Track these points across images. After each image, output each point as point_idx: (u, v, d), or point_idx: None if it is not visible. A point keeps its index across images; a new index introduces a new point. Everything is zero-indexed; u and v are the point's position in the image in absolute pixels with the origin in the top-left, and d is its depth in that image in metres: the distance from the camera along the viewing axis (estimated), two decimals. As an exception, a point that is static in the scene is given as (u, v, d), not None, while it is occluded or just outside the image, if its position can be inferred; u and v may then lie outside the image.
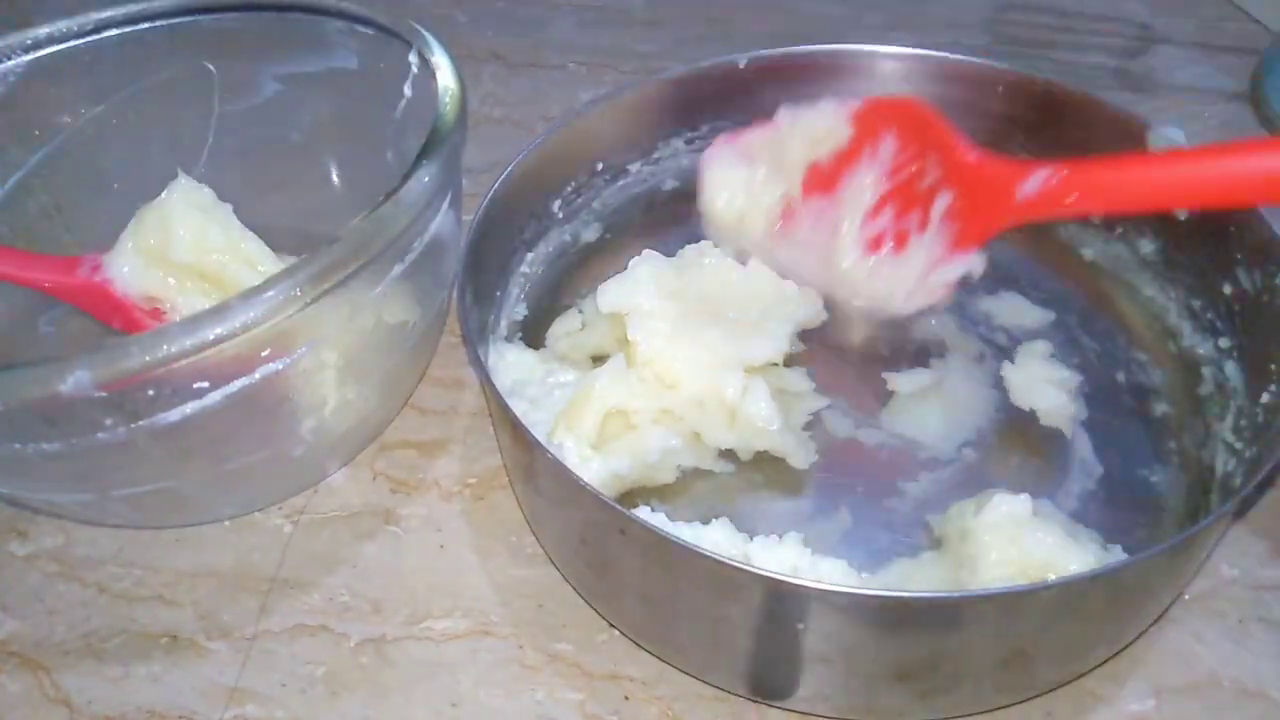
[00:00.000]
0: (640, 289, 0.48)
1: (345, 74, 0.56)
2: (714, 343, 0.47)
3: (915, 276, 0.49)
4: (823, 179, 0.51)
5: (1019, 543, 0.41)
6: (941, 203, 0.48)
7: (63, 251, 0.55)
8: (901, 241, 0.49)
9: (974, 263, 0.48)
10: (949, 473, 0.49)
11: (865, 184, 0.50)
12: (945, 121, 0.48)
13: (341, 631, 0.46)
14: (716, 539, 0.43)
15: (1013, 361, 0.52)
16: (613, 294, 0.48)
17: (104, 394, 0.38)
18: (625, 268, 0.57)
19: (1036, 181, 0.45)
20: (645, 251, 0.50)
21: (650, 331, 0.47)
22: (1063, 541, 0.41)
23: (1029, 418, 0.51)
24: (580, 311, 0.54)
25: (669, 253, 0.59)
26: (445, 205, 0.48)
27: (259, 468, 0.47)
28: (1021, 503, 0.42)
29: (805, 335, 0.55)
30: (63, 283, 0.50)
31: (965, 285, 0.56)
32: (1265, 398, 0.47)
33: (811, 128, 0.51)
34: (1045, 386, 0.51)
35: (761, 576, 0.37)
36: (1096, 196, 0.45)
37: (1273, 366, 0.47)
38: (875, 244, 0.50)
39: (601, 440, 0.46)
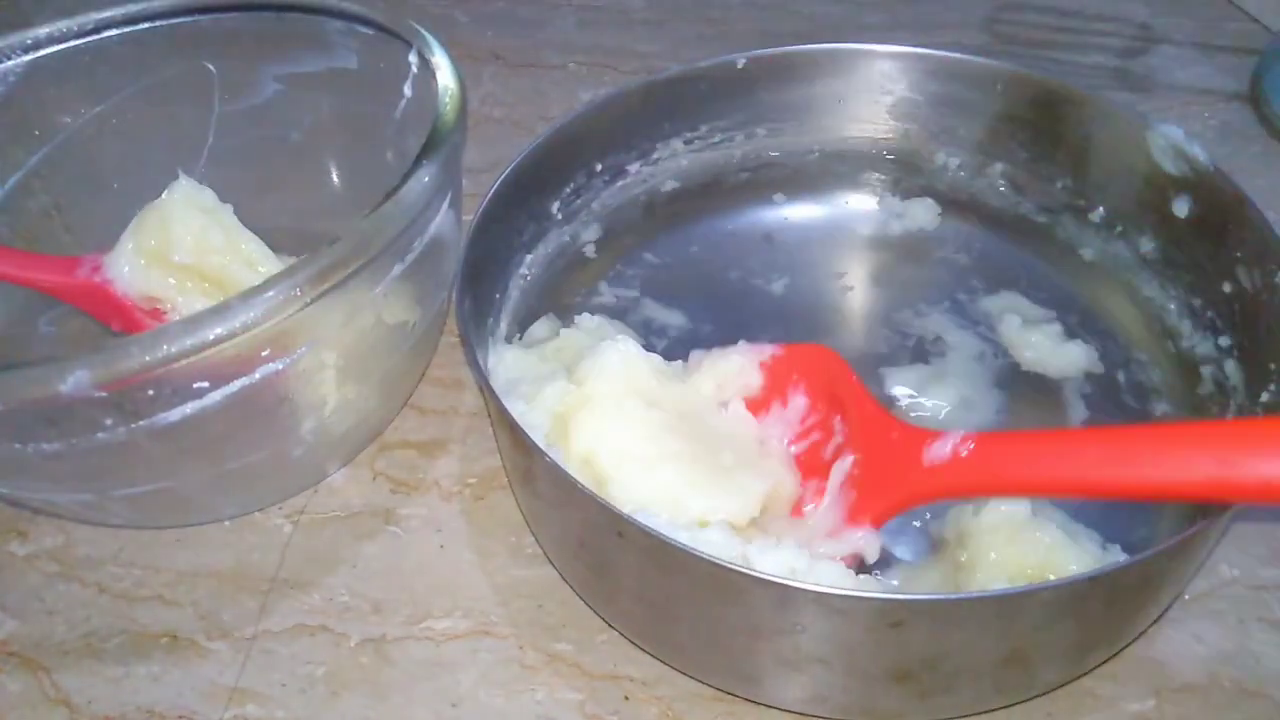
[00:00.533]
0: (617, 388, 0.45)
1: (345, 74, 0.56)
2: (686, 483, 0.44)
3: (805, 543, 0.44)
4: None
5: (1017, 543, 0.41)
6: (842, 467, 0.44)
7: (62, 251, 0.55)
8: (796, 509, 0.45)
9: (867, 543, 0.43)
10: (949, 473, 0.49)
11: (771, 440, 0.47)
12: (854, 377, 0.46)
13: (341, 631, 0.46)
14: (714, 541, 0.43)
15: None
16: (589, 430, 0.44)
17: (104, 394, 0.38)
18: (620, 271, 0.57)
19: (945, 447, 0.42)
20: (620, 338, 0.47)
21: (625, 459, 0.44)
22: (1061, 542, 0.41)
23: (1029, 417, 0.51)
24: (560, 322, 0.53)
25: (670, 253, 0.60)
26: (445, 205, 0.48)
27: (259, 468, 0.47)
28: (1019, 504, 0.42)
29: (804, 333, 0.56)
30: (62, 283, 0.50)
31: (966, 286, 0.56)
32: (1265, 397, 0.47)
33: (718, 372, 0.48)
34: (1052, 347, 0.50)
35: (760, 579, 0.37)
36: (1008, 474, 0.41)
37: (1273, 366, 0.47)
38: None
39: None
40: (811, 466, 0.46)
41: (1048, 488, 0.41)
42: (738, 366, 0.48)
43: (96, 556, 0.49)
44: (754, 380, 0.48)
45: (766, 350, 0.48)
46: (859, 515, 0.43)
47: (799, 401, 0.47)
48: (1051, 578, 0.40)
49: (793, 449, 0.47)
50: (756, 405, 0.48)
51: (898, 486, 0.43)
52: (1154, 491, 0.40)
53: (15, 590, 0.48)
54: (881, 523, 0.43)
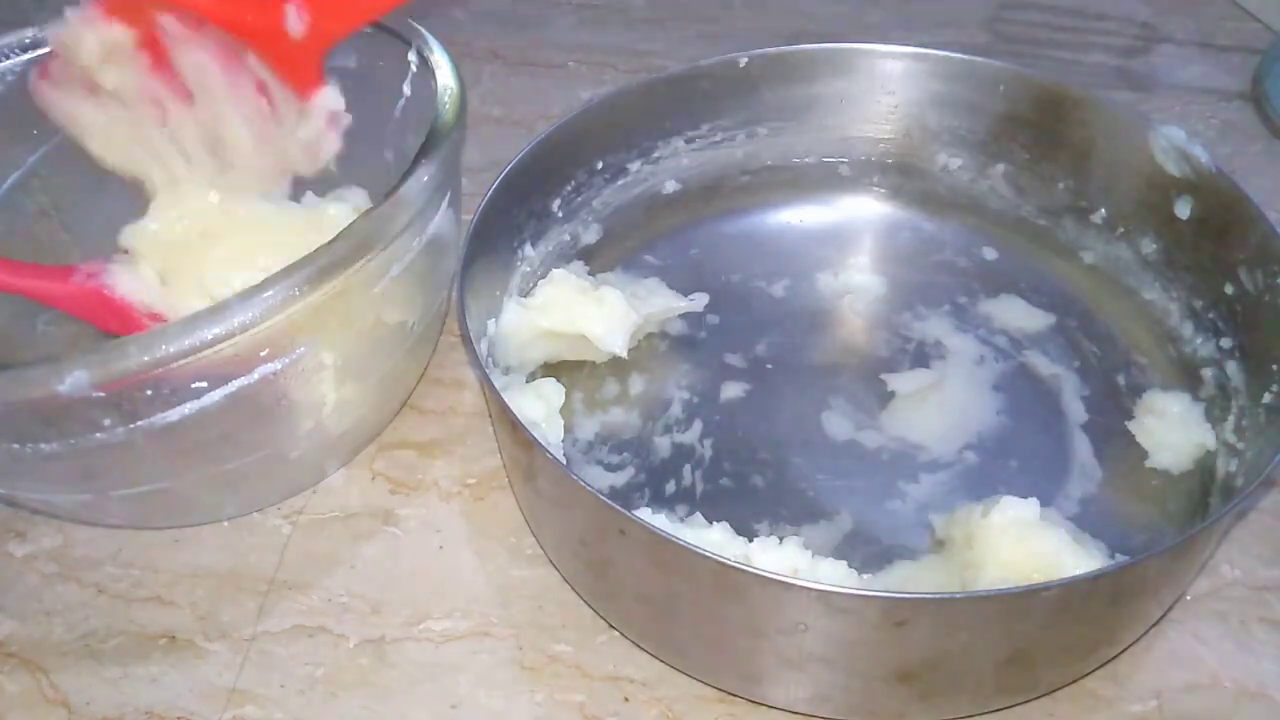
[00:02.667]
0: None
1: (344, 73, 0.55)
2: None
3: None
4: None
5: (1026, 545, 0.41)
6: (253, 60, 0.46)
7: (60, 251, 0.55)
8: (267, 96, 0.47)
9: (326, 97, 0.47)
10: (949, 475, 0.49)
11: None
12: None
13: (340, 632, 0.46)
14: (717, 540, 0.43)
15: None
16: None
17: (102, 394, 0.38)
18: (621, 273, 0.58)
19: (296, 20, 0.45)
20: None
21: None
22: (1069, 545, 0.41)
23: (1029, 420, 0.51)
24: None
25: (670, 255, 0.60)
26: (444, 204, 0.48)
27: (257, 468, 0.47)
28: (1029, 506, 0.42)
29: (805, 337, 0.56)
30: (56, 290, 0.50)
31: (969, 290, 0.56)
32: (1267, 398, 0.47)
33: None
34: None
35: (762, 578, 0.37)
36: None
37: (1274, 367, 0.47)
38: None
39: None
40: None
41: None
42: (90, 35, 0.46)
43: (95, 557, 0.49)
44: (119, 33, 0.46)
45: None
46: (306, 93, 0.47)
47: (170, 21, 0.46)
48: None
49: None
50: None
51: (302, 61, 0.46)
52: None
53: (13, 591, 0.48)
54: (319, 82, 0.47)
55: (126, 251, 0.51)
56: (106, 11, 0.46)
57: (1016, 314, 0.56)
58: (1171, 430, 0.49)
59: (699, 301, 0.56)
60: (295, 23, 0.45)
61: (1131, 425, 0.50)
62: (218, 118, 0.48)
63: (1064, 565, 0.41)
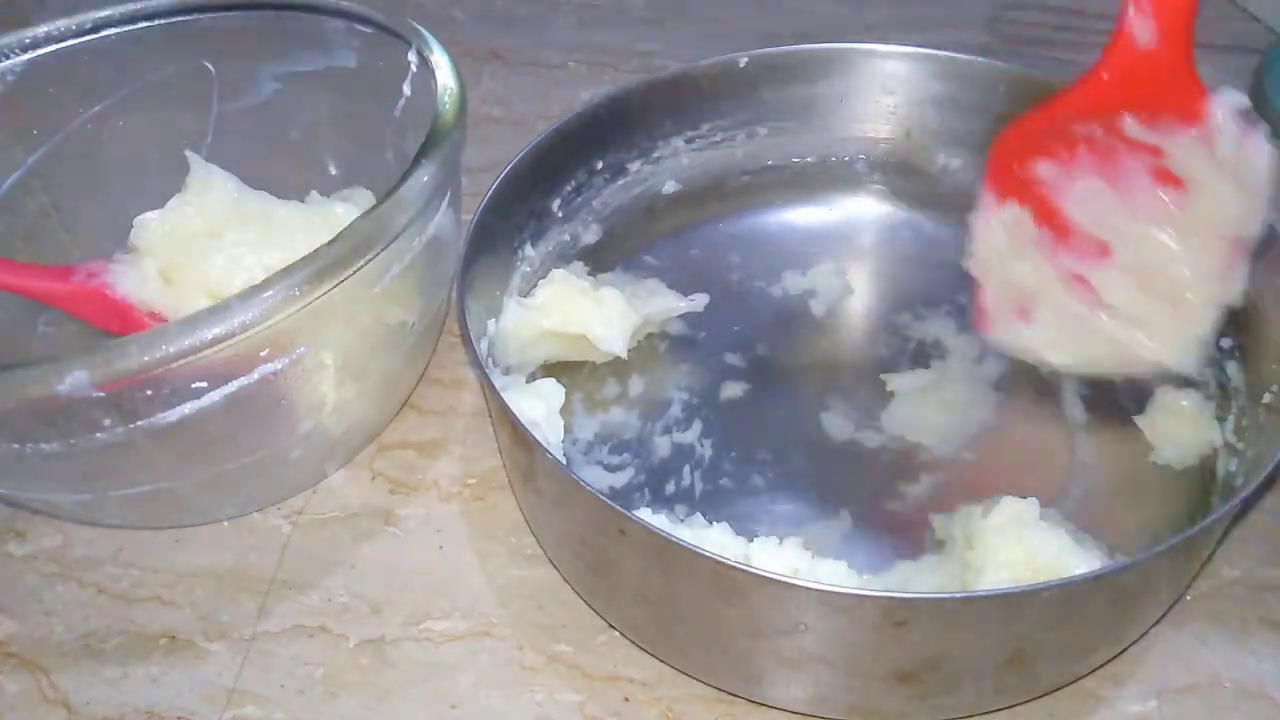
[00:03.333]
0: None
1: (344, 73, 0.56)
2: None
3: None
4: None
5: (1025, 545, 0.41)
6: (1130, 124, 0.40)
7: (61, 250, 0.55)
8: (1171, 180, 0.41)
9: (1220, 99, 0.39)
10: (950, 475, 0.49)
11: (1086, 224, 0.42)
12: (1043, 106, 0.42)
13: (340, 632, 0.46)
14: (717, 540, 0.43)
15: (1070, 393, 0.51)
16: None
17: (102, 394, 0.38)
18: (621, 273, 0.58)
19: (1140, 21, 0.38)
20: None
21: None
22: (1069, 545, 0.41)
23: (1029, 420, 0.51)
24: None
25: (670, 256, 0.60)
26: (444, 204, 0.48)
27: (257, 468, 0.47)
28: (1029, 506, 0.42)
29: (805, 337, 0.56)
30: (58, 289, 0.50)
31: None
32: (1267, 398, 0.47)
33: (998, 249, 0.44)
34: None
35: (762, 578, 0.37)
36: None
37: (1274, 367, 0.47)
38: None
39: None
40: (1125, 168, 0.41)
41: None
42: (994, 230, 0.44)
43: (95, 557, 0.49)
44: (1012, 214, 0.44)
45: (985, 199, 0.44)
46: (1193, 109, 0.39)
47: (1048, 168, 0.42)
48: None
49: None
50: (1047, 212, 0.43)
51: (1166, 73, 0.39)
52: None
53: (13, 591, 0.48)
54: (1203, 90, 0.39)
55: (129, 250, 0.51)
56: (999, 194, 0.43)
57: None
58: (1181, 427, 0.49)
59: (699, 302, 0.56)
60: (1141, 29, 0.38)
61: (1140, 420, 0.50)
62: (1140, 249, 0.41)
63: (1064, 565, 0.41)
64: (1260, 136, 0.39)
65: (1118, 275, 0.42)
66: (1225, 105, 0.40)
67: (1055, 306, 0.43)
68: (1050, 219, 0.43)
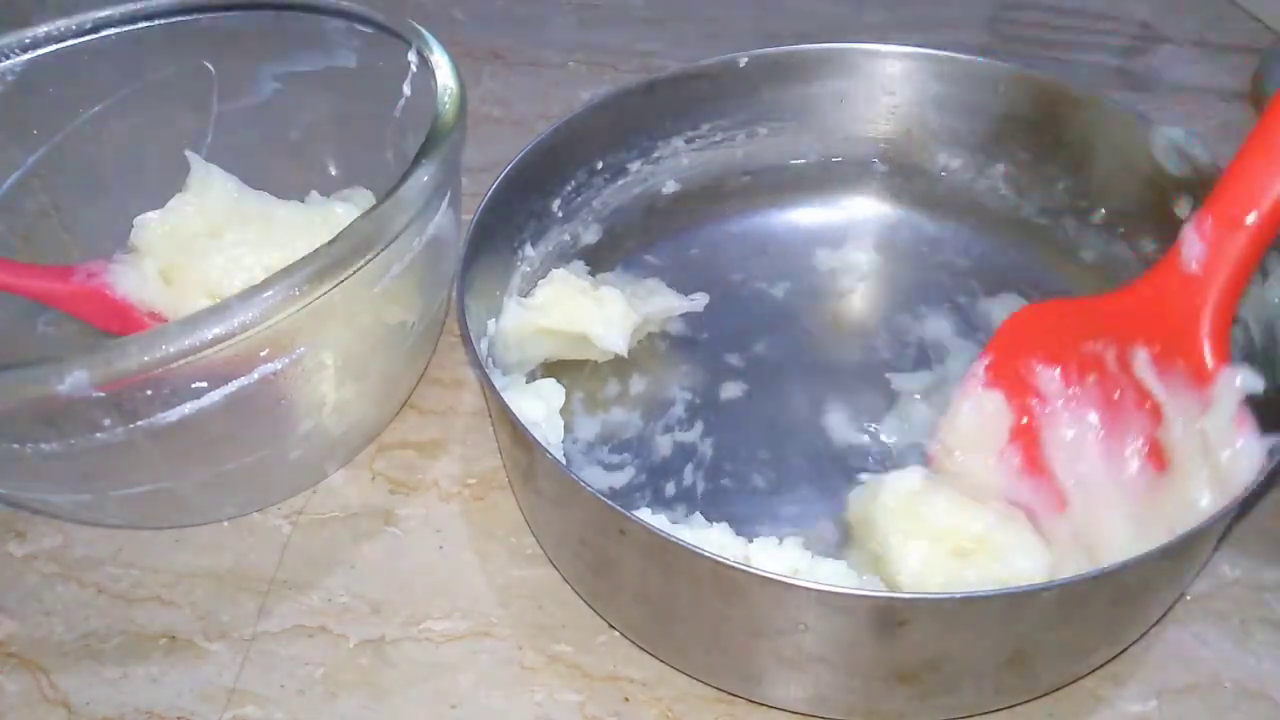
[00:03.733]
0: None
1: (344, 73, 0.56)
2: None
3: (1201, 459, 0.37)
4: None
5: (917, 513, 0.41)
6: (1143, 362, 0.38)
7: (61, 251, 0.55)
8: (1156, 456, 0.39)
9: (1232, 380, 0.37)
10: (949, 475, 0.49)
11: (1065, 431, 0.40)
12: (1061, 304, 0.42)
13: (340, 632, 0.46)
14: (717, 540, 0.43)
15: None
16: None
17: (102, 394, 0.38)
18: (621, 274, 0.58)
19: (1193, 243, 0.37)
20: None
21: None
22: (959, 504, 0.41)
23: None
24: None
25: (670, 256, 0.60)
26: (444, 204, 0.48)
27: (257, 468, 0.47)
28: (911, 474, 0.42)
29: (805, 337, 0.56)
30: (58, 289, 0.50)
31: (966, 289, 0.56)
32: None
33: (965, 429, 0.43)
34: None
35: (762, 578, 0.37)
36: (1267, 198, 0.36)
37: (1274, 366, 0.47)
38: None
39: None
40: (1108, 404, 0.40)
41: None
42: (973, 414, 0.43)
43: (95, 557, 0.49)
44: (994, 407, 0.43)
45: (976, 370, 0.43)
46: (1200, 377, 0.37)
47: (1049, 377, 0.41)
48: (965, 541, 0.40)
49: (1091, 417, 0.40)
50: (1025, 429, 0.42)
51: (1196, 315, 0.37)
52: None
53: (13, 591, 0.48)
54: (1224, 356, 0.37)
55: (129, 250, 0.51)
56: (991, 375, 0.42)
57: None
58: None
59: (699, 301, 0.56)
60: (1193, 246, 0.37)
61: None
62: (1091, 516, 0.39)
63: (961, 525, 0.41)
64: (1254, 439, 0.37)
65: (1057, 526, 0.41)
66: (1234, 386, 0.38)
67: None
68: (1026, 439, 0.42)
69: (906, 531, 0.42)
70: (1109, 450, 0.40)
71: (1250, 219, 0.38)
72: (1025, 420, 0.41)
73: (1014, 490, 0.42)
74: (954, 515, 0.41)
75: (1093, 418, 0.40)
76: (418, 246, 0.46)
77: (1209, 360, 0.37)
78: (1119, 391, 0.39)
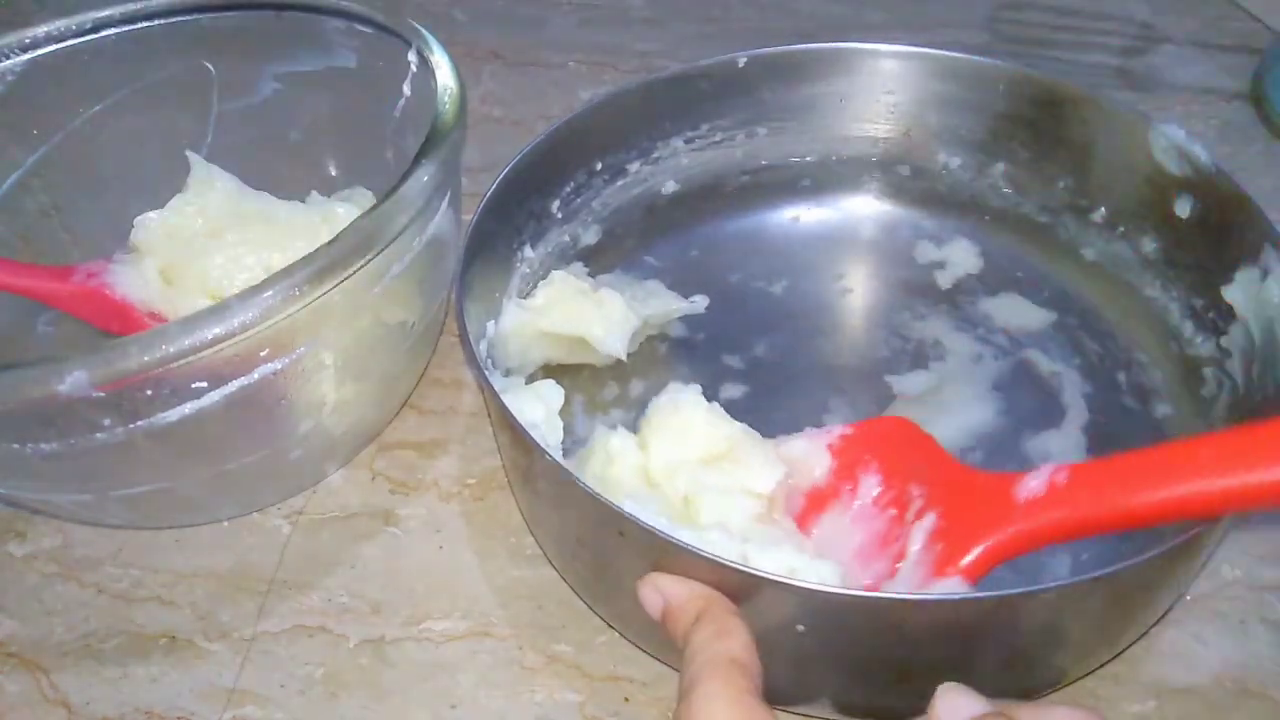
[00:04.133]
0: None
1: (344, 73, 0.56)
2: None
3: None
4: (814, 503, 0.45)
5: (677, 420, 0.43)
6: (924, 526, 0.41)
7: (61, 251, 0.55)
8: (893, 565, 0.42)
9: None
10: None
11: (845, 521, 0.43)
12: (932, 440, 0.44)
13: (340, 633, 0.46)
14: (715, 540, 0.42)
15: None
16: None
17: (102, 394, 0.38)
18: (621, 274, 0.58)
19: (1038, 480, 0.38)
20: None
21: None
22: (716, 419, 0.43)
23: (1030, 419, 0.51)
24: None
25: (670, 256, 0.60)
26: (444, 204, 0.48)
27: (257, 468, 0.47)
28: (690, 390, 0.45)
29: (805, 337, 0.56)
30: (58, 289, 0.50)
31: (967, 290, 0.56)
32: (1259, 397, 0.47)
33: (789, 458, 0.45)
34: None
35: (761, 578, 0.36)
36: (1115, 495, 0.37)
37: (1257, 368, 0.47)
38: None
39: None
40: (888, 532, 0.43)
41: (1166, 509, 0.36)
42: (804, 453, 0.45)
43: (95, 557, 0.49)
44: (822, 466, 0.45)
45: (835, 432, 0.45)
46: (946, 567, 0.39)
47: (871, 481, 0.44)
48: (715, 448, 0.43)
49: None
50: (823, 495, 0.44)
51: (991, 529, 0.39)
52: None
53: (13, 591, 0.48)
54: (977, 575, 0.39)
55: (129, 250, 0.51)
56: (839, 445, 0.44)
57: (1016, 312, 0.56)
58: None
59: (699, 304, 0.56)
60: (1038, 482, 0.37)
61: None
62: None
63: (713, 434, 0.43)
64: None
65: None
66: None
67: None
68: (814, 502, 0.44)
69: (664, 432, 0.44)
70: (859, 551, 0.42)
71: (1095, 507, 0.37)
72: (827, 491, 0.44)
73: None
74: (707, 427, 0.43)
75: (861, 534, 0.43)
76: (418, 246, 0.46)
77: (959, 574, 0.39)
78: (897, 531, 0.42)
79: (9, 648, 0.46)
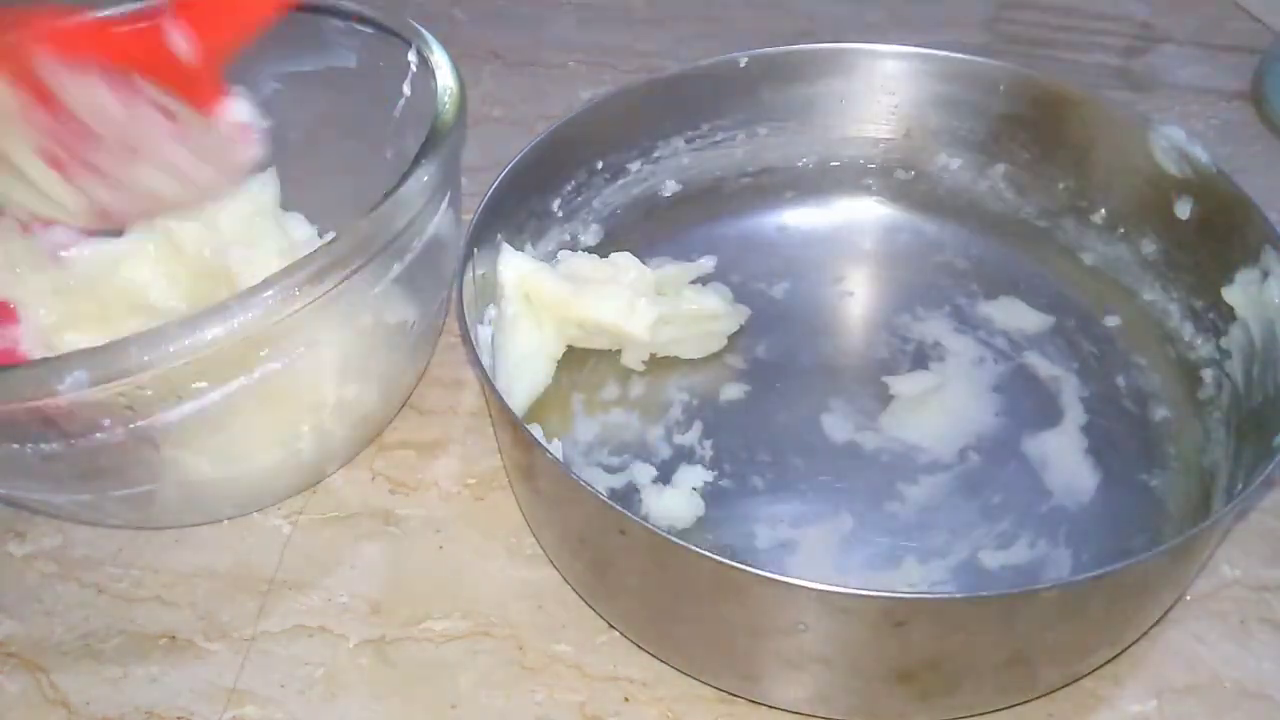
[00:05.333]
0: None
1: (344, 73, 0.56)
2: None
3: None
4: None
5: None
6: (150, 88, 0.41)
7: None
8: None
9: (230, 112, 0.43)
10: (949, 477, 0.49)
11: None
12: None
13: (340, 632, 0.46)
14: (671, 504, 0.43)
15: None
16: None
17: (101, 394, 0.38)
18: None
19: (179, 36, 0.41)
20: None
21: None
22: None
23: (1029, 421, 0.51)
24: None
25: (669, 253, 0.60)
26: (444, 204, 0.48)
27: (258, 468, 0.47)
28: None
29: (805, 338, 0.56)
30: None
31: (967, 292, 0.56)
32: (1259, 398, 0.47)
33: None
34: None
35: (762, 578, 0.37)
36: None
37: (1257, 368, 0.47)
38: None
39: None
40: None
41: None
42: None
43: (95, 557, 0.49)
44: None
45: None
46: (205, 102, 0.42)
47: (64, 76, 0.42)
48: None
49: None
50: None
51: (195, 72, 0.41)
52: None
53: (13, 591, 0.48)
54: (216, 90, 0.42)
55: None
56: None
57: (1016, 315, 0.56)
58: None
59: (708, 264, 0.56)
60: (181, 44, 0.42)
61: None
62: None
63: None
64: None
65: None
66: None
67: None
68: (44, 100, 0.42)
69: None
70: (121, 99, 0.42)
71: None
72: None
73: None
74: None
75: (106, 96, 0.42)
76: (418, 246, 0.46)
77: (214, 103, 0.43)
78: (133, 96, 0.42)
79: (9, 648, 0.46)
